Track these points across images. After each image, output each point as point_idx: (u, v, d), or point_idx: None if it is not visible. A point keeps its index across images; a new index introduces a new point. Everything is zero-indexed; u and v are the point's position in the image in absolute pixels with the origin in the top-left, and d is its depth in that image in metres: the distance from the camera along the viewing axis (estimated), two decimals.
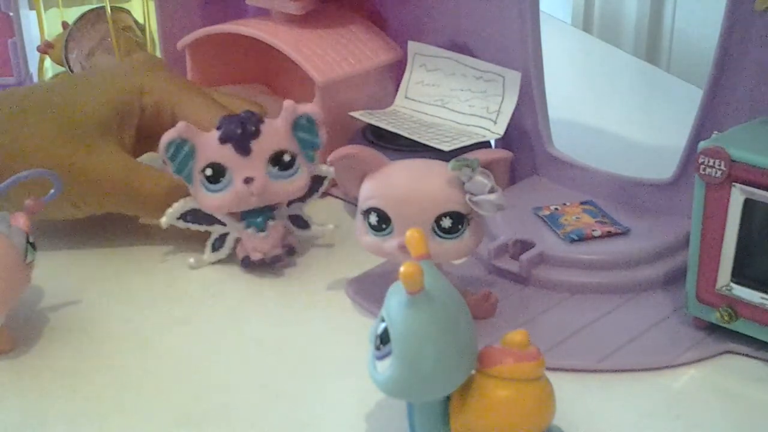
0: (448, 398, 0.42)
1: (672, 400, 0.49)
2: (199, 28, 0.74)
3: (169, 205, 0.59)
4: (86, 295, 0.58)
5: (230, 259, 0.61)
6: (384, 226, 0.52)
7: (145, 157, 0.65)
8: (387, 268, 0.57)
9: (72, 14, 0.83)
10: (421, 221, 0.51)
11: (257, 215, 0.59)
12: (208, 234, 0.60)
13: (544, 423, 0.42)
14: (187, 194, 0.59)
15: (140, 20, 0.82)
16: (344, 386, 0.50)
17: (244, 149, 0.57)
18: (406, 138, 0.66)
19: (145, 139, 0.63)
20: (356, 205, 0.53)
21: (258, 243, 0.59)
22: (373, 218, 0.52)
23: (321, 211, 0.57)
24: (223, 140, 0.57)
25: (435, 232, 0.51)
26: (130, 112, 0.62)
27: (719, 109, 0.58)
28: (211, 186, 0.58)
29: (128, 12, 0.82)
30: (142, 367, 0.52)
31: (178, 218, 0.59)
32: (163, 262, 0.57)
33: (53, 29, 0.84)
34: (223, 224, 0.60)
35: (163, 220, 0.59)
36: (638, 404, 0.49)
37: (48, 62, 0.84)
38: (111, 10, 0.79)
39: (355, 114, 0.69)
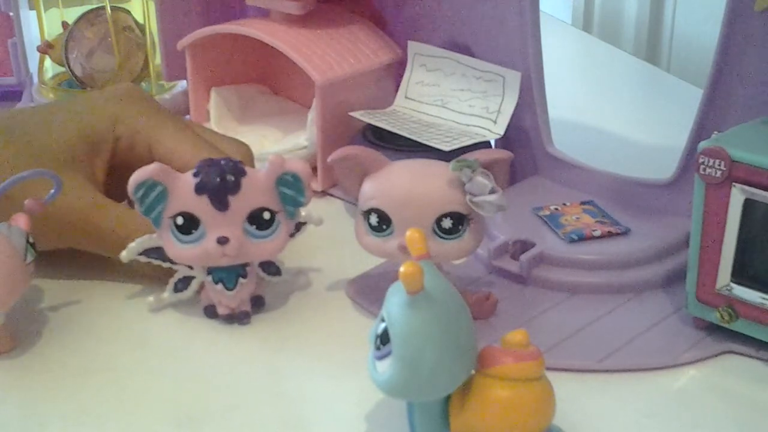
0: (448, 398, 0.42)
1: (672, 400, 0.49)
2: (199, 28, 0.74)
3: None
4: (86, 295, 0.58)
5: None
6: (384, 226, 0.52)
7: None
8: (387, 268, 0.57)
9: (72, 14, 0.83)
10: (422, 222, 0.51)
11: (227, 272, 0.54)
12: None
13: (544, 423, 0.42)
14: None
15: (140, 20, 0.82)
16: (344, 386, 0.50)
17: (221, 204, 0.52)
18: (406, 138, 0.66)
19: (120, 169, 0.59)
20: (356, 205, 0.53)
21: (225, 299, 0.55)
22: (374, 219, 0.52)
23: (321, 211, 0.57)
24: (199, 190, 0.51)
25: (435, 232, 0.51)
26: (103, 142, 0.60)
27: (719, 109, 0.58)
28: (181, 236, 0.53)
29: (128, 12, 0.82)
30: (142, 367, 0.52)
31: (141, 253, 0.54)
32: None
33: (53, 29, 0.84)
34: (189, 267, 0.55)
35: (123, 254, 0.54)
36: (638, 404, 0.49)
37: (48, 62, 0.84)
38: (111, 10, 0.79)
39: (355, 114, 0.69)
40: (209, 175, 0.52)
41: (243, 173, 0.52)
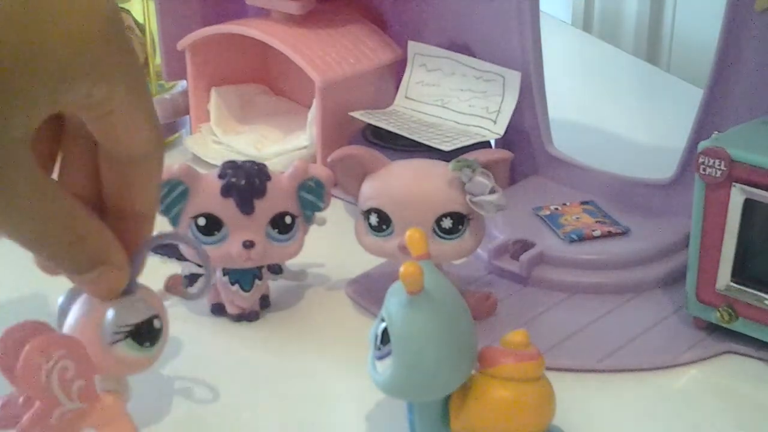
0: (448, 398, 0.42)
1: (672, 400, 0.49)
2: (199, 28, 0.75)
3: None
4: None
5: None
6: (384, 226, 0.52)
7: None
8: (387, 268, 0.57)
9: None
10: (422, 222, 0.51)
11: (244, 273, 0.54)
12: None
13: (544, 423, 0.42)
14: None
15: (140, 20, 0.82)
16: (344, 386, 0.50)
17: (248, 207, 0.52)
18: (406, 138, 0.66)
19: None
20: (356, 205, 0.53)
21: (239, 300, 0.55)
22: (374, 219, 0.52)
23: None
24: (225, 193, 0.52)
25: (435, 232, 0.51)
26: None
27: (719, 109, 0.58)
28: (202, 237, 0.52)
29: (128, 12, 0.82)
30: None
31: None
32: (164, 262, 0.57)
33: None
34: (198, 265, 0.54)
35: None
36: (638, 404, 0.49)
37: None
38: None
39: (355, 114, 0.69)
40: (236, 178, 0.52)
41: (269, 177, 0.52)
